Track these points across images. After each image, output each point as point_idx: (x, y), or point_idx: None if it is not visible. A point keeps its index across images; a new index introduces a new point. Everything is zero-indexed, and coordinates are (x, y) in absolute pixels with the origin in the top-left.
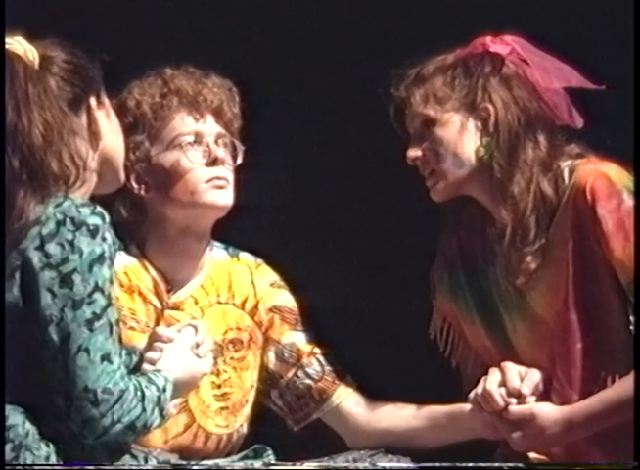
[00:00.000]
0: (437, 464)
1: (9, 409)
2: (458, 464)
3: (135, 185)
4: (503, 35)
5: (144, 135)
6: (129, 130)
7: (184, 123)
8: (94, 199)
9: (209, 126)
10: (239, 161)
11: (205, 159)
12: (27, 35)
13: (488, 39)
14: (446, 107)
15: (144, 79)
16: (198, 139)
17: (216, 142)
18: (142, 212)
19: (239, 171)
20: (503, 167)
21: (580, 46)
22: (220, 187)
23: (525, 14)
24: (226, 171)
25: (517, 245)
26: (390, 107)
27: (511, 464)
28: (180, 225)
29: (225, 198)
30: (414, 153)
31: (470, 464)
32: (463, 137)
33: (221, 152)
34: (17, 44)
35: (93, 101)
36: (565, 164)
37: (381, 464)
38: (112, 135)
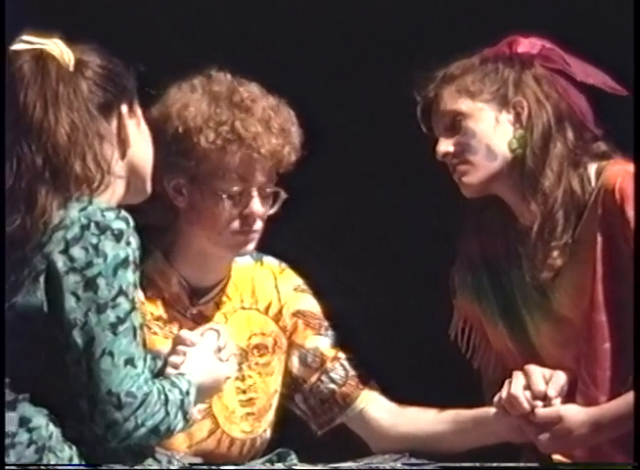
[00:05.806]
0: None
1: (33, 411)
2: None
3: (173, 193)
4: (531, 37)
5: (193, 162)
6: (182, 153)
7: (234, 172)
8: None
9: (258, 177)
10: (275, 209)
11: (241, 208)
12: (66, 39)
13: (517, 39)
14: (478, 100)
15: (213, 110)
16: (242, 189)
17: (260, 192)
18: (171, 219)
19: None
20: (537, 157)
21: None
22: (247, 241)
23: (533, 19)
24: (259, 224)
25: (545, 238)
26: (418, 107)
27: (511, 464)
28: (203, 245)
29: (248, 248)
30: (445, 148)
31: (477, 464)
32: (496, 130)
33: (259, 206)
34: (53, 45)
35: (124, 108)
36: (591, 166)
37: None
38: (141, 145)
